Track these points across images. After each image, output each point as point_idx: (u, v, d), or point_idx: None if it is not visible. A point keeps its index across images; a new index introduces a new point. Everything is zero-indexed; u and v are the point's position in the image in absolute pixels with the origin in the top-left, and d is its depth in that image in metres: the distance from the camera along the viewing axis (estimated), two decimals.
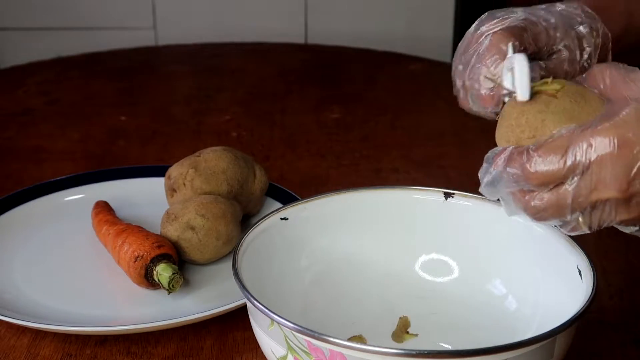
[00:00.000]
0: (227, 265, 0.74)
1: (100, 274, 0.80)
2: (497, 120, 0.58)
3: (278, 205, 0.88)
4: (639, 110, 0.51)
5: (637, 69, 0.55)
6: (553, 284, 0.64)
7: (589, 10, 0.62)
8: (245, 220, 0.86)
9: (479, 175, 0.57)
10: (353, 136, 1.14)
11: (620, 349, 0.71)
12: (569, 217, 0.54)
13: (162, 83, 1.38)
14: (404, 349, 0.52)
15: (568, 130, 0.52)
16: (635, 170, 0.51)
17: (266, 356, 0.60)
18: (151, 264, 0.75)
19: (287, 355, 0.57)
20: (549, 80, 0.56)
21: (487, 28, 0.59)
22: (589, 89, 0.56)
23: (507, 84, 0.57)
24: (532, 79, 0.56)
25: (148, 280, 0.76)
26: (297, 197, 0.87)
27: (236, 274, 0.61)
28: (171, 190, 0.84)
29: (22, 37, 1.80)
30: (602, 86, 0.55)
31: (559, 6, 0.62)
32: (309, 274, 0.70)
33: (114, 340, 0.72)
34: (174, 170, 0.84)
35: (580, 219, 0.54)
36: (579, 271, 0.61)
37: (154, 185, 0.92)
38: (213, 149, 0.86)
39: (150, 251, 0.75)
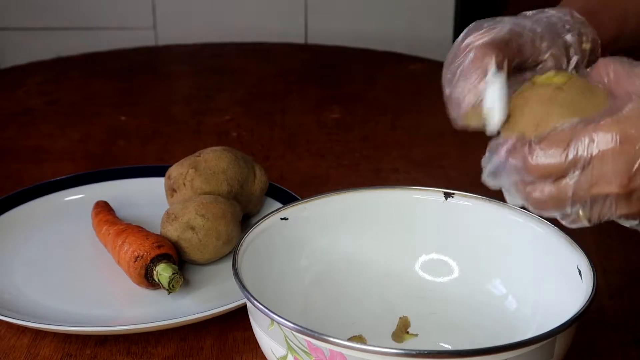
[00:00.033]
0: (227, 265, 0.74)
1: (100, 274, 0.80)
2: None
3: (278, 205, 0.88)
4: None
5: None
6: (553, 284, 0.64)
7: (579, 16, 0.62)
8: (245, 220, 0.86)
9: (482, 163, 0.57)
10: (353, 136, 1.14)
11: (620, 349, 0.71)
12: (569, 210, 0.54)
13: (162, 83, 1.38)
14: (404, 349, 0.52)
15: (571, 125, 0.53)
16: (636, 166, 0.51)
17: (266, 356, 0.60)
18: (151, 264, 0.75)
19: (287, 355, 0.57)
20: (556, 72, 0.56)
21: (472, 39, 0.58)
22: (595, 84, 0.56)
23: (487, 102, 0.57)
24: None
25: (148, 280, 0.76)
26: (297, 197, 0.87)
27: (236, 274, 0.61)
28: (171, 190, 0.84)
29: (22, 37, 1.80)
30: (606, 80, 0.55)
31: (548, 12, 0.62)
32: (309, 274, 0.70)
33: (114, 340, 0.72)
34: (174, 170, 0.84)
35: (580, 212, 0.54)
36: (579, 271, 0.61)
37: (154, 185, 0.92)
38: (213, 149, 0.86)
39: (150, 251, 0.75)
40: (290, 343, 0.56)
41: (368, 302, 0.70)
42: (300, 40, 1.78)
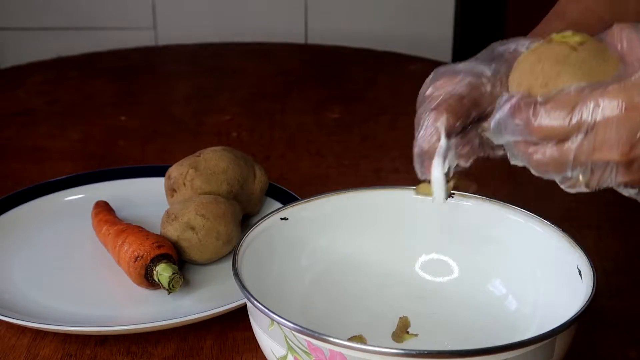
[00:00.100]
0: (227, 265, 0.74)
1: (100, 274, 0.80)
2: None
3: (278, 205, 0.88)
4: None
5: None
6: (553, 284, 0.64)
7: None
8: (245, 220, 0.86)
9: (489, 121, 0.57)
10: (353, 136, 1.14)
11: (620, 349, 0.71)
12: (569, 174, 0.54)
13: (162, 83, 1.38)
14: (404, 349, 0.52)
15: (578, 88, 0.52)
16: (639, 134, 0.51)
17: (266, 356, 0.60)
18: (151, 264, 0.75)
19: (287, 355, 0.57)
20: (574, 32, 0.56)
21: (431, 92, 0.61)
22: (609, 49, 0.56)
23: (435, 171, 0.60)
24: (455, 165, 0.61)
25: (148, 280, 0.76)
26: (297, 197, 0.87)
27: (236, 274, 0.61)
28: (171, 190, 0.84)
29: (22, 37, 1.80)
30: (619, 47, 0.55)
31: (521, 44, 0.62)
32: (309, 274, 0.70)
33: (114, 340, 0.72)
34: (174, 170, 0.84)
35: (580, 176, 0.54)
36: (579, 271, 0.61)
37: (154, 185, 0.92)
38: (213, 149, 0.86)
39: (150, 251, 0.75)
40: (290, 343, 0.56)
41: (368, 302, 0.70)
42: (300, 40, 1.78)
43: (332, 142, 1.12)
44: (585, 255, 0.61)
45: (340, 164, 1.06)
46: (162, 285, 0.74)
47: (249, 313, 0.61)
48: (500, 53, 0.62)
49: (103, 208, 0.86)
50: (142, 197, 0.92)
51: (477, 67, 0.61)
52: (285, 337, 0.56)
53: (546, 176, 0.55)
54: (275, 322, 0.56)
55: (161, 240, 0.77)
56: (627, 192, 0.55)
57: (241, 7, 1.79)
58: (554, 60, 0.54)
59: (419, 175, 0.63)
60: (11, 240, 0.85)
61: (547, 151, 0.54)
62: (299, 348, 0.55)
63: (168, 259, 0.75)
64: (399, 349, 0.52)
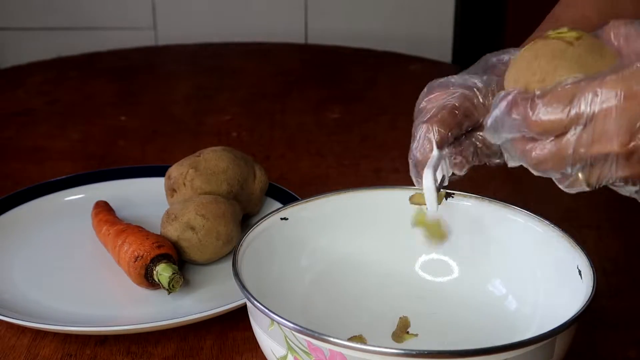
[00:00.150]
0: (227, 265, 0.74)
1: (100, 274, 0.80)
2: None
3: (278, 205, 0.88)
4: None
5: None
6: (553, 284, 0.64)
7: None
8: (245, 220, 0.86)
9: (485, 119, 0.58)
10: (353, 136, 1.14)
11: (620, 348, 0.71)
12: (569, 170, 0.53)
13: (162, 83, 1.38)
14: (404, 349, 0.52)
15: (575, 80, 0.52)
16: (639, 124, 0.50)
17: (266, 356, 0.60)
18: (151, 264, 0.75)
19: (287, 355, 0.57)
20: (569, 28, 0.56)
21: (425, 105, 0.63)
22: (606, 44, 0.56)
23: (425, 181, 0.61)
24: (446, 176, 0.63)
25: (148, 280, 0.76)
26: (297, 197, 0.87)
27: (236, 274, 0.61)
28: (171, 190, 0.84)
29: (22, 37, 1.80)
30: (615, 42, 0.55)
31: (514, 55, 0.62)
32: (309, 274, 0.70)
33: (114, 340, 0.72)
34: (174, 170, 0.84)
35: (580, 174, 0.53)
36: (579, 271, 0.61)
37: (154, 185, 0.92)
38: (213, 149, 0.86)
39: (150, 251, 0.75)
40: (290, 343, 0.56)
41: (368, 302, 0.70)
42: (300, 40, 1.78)
43: (332, 142, 1.12)
44: (585, 255, 0.61)
45: (340, 164, 1.06)
46: (162, 285, 0.74)
47: (249, 313, 0.61)
48: (494, 64, 0.63)
49: (103, 208, 0.86)
50: (142, 197, 0.92)
51: (469, 80, 0.63)
52: (285, 337, 0.56)
53: (545, 174, 0.55)
54: (275, 322, 0.56)
55: (161, 240, 0.77)
56: (627, 191, 0.54)
57: (241, 7, 1.79)
58: (551, 56, 0.54)
59: (416, 184, 0.64)
60: (11, 240, 0.85)
61: (546, 146, 0.53)
62: (299, 348, 0.55)
63: (168, 259, 0.75)
64: (399, 349, 0.52)
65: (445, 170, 0.63)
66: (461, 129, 0.62)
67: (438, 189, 0.62)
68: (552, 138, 0.53)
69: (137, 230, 0.79)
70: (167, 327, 0.70)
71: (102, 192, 0.92)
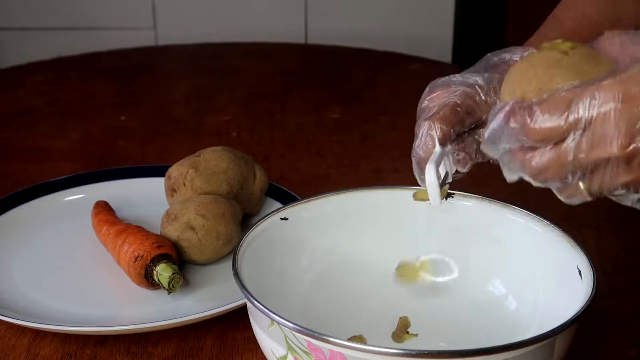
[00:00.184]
0: (227, 265, 0.74)
1: (100, 274, 0.80)
2: None
3: (278, 205, 0.88)
4: None
5: None
6: (553, 284, 0.64)
7: None
8: (245, 220, 0.86)
9: (483, 131, 0.58)
10: (353, 136, 1.14)
11: (620, 348, 0.71)
12: (569, 178, 0.53)
13: (162, 83, 1.38)
14: (404, 349, 0.52)
15: (572, 86, 0.52)
16: (639, 125, 0.50)
17: (266, 356, 0.60)
18: (151, 264, 0.75)
19: (287, 355, 0.57)
20: (563, 40, 0.56)
21: (427, 104, 0.64)
22: (601, 53, 0.56)
23: (428, 176, 0.62)
24: (448, 174, 0.64)
25: (148, 280, 0.76)
26: (297, 197, 0.87)
27: (236, 274, 0.61)
28: (171, 190, 0.84)
29: (22, 37, 1.80)
30: (611, 51, 0.55)
31: (515, 54, 0.63)
32: (309, 274, 0.70)
33: (114, 340, 0.72)
34: (174, 170, 0.84)
35: (580, 183, 0.53)
36: (579, 271, 0.61)
37: (154, 185, 0.92)
38: (213, 149, 0.86)
39: (150, 251, 0.75)
40: (290, 343, 0.56)
41: (368, 302, 0.70)
42: (300, 40, 1.78)
43: (332, 142, 1.12)
44: (585, 255, 0.61)
45: (340, 164, 1.06)
46: (162, 285, 0.74)
47: (249, 313, 0.61)
48: (495, 63, 0.64)
49: (103, 208, 0.86)
50: (142, 197, 0.92)
51: (471, 77, 0.64)
52: (285, 337, 0.56)
53: (546, 184, 0.54)
54: (275, 322, 0.56)
55: (161, 240, 0.77)
56: (630, 200, 0.54)
57: (241, 7, 1.79)
58: (546, 65, 0.54)
59: (419, 182, 0.65)
60: (11, 240, 0.85)
61: (546, 154, 0.53)
62: (299, 348, 0.55)
63: (168, 259, 0.75)
64: (399, 349, 0.52)
65: (448, 167, 0.64)
66: (463, 126, 0.63)
67: (441, 185, 0.62)
68: (551, 145, 0.52)
69: (137, 230, 0.79)
70: (167, 327, 0.70)
71: (102, 192, 0.92)
